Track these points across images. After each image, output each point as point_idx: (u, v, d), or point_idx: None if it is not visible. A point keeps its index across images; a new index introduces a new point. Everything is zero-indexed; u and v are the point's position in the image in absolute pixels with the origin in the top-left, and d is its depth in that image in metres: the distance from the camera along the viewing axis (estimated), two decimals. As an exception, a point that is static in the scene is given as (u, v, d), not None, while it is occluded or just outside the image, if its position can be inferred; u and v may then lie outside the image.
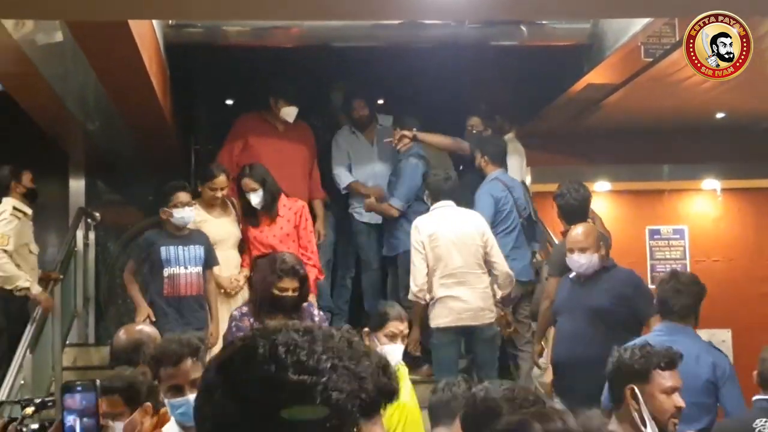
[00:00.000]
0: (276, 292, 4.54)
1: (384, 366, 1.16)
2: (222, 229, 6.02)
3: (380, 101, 7.63)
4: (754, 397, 3.65)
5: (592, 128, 7.62)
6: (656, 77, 6.19)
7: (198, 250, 5.72)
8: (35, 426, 3.14)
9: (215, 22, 6.26)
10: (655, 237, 8.09)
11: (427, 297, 5.66)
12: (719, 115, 7.17)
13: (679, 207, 8.20)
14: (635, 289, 5.08)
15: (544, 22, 6.43)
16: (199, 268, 5.70)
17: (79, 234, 7.36)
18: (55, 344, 6.36)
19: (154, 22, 5.51)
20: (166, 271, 5.66)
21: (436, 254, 5.66)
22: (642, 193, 8.21)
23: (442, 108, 7.36)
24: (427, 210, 6.00)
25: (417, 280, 5.66)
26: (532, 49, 6.68)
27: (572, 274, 5.20)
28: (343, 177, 6.91)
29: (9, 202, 6.15)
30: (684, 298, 4.35)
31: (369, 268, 6.89)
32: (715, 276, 7.26)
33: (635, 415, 3.17)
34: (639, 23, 5.37)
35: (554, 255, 5.89)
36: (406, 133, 6.65)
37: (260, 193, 5.94)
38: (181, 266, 5.68)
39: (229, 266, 5.98)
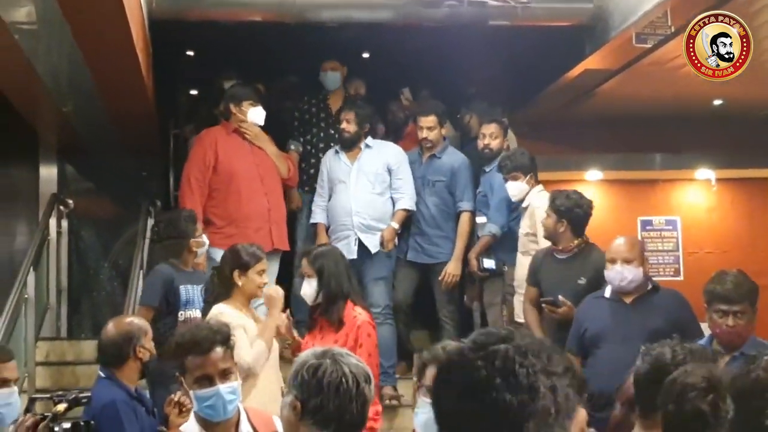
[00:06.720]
0: None
1: None
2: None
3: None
4: None
5: (583, 116, 7.40)
6: (652, 65, 5.98)
7: (201, 289, 4.80)
8: (67, 426, 2.87)
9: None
10: (647, 228, 7.91)
11: None
12: (717, 102, 6.99)
13: (672, 197, 8.04)
14: (689, 311, 4.51)
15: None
16: None
17: (52, 222, 6.97)
18: (28, 338, 5.98)
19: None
20: (183, 315, 4.70)
21: None
22: (634, 182, 8.03)
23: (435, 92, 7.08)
24: None
25: None
26: (529, 29, 6.36)
27: (608, 293, 4.58)
28: (318, 212, 6.11)
29: None
30: None
31: None
32: (708, 268, 6.88)
33: None
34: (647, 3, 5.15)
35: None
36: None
37: (313, 283, 4.39)
38: (196, 308, 4.73)
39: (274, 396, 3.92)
